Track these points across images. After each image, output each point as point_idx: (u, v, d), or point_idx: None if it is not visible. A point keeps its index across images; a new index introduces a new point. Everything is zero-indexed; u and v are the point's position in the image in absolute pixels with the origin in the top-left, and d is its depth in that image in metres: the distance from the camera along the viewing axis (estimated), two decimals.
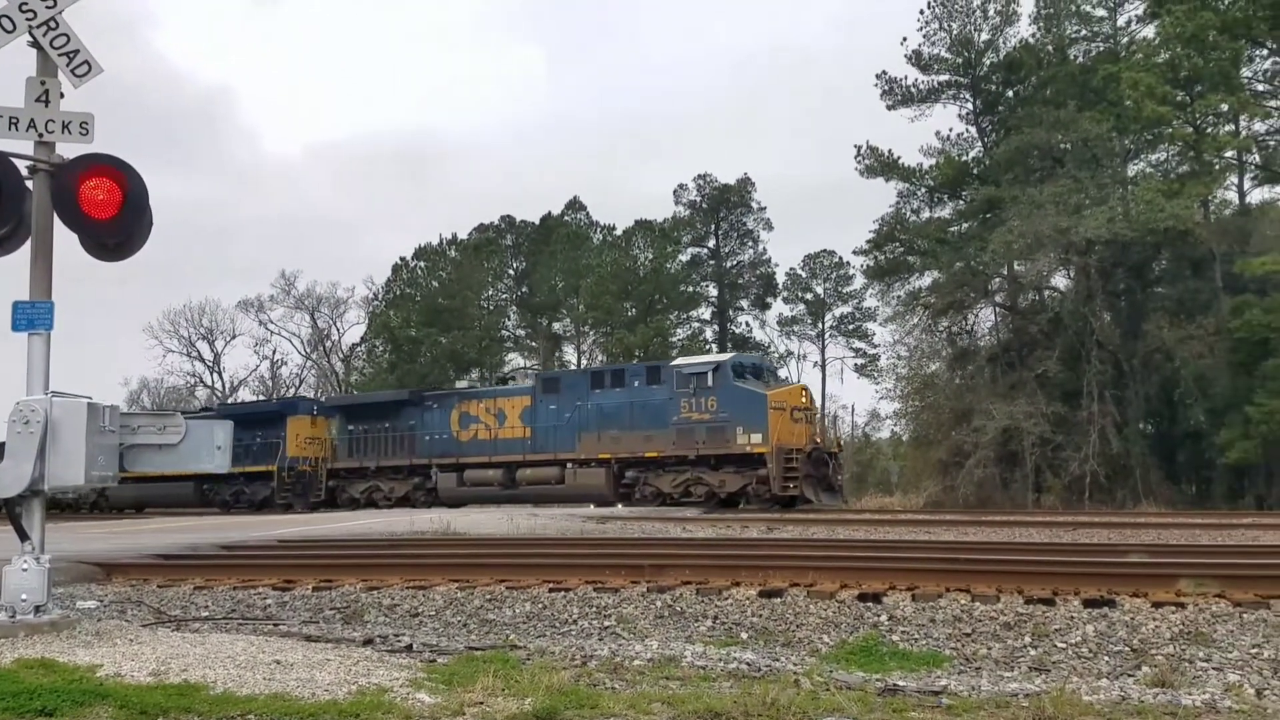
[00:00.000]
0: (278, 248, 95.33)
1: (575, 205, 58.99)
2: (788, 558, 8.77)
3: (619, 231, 56.60)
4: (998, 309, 39.77)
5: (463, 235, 59.86)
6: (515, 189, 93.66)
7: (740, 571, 8.37)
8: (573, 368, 40.71)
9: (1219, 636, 6.47)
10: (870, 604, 7.54)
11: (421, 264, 59.07)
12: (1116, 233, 30.13)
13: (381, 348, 58.04)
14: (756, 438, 23.85)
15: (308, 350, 62.98)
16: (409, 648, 7.12)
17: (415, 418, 29.93)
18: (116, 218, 6.39)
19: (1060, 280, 38.82)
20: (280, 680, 5.36)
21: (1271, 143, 36.84)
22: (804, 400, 25.75)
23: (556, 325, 58.33)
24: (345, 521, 19.87)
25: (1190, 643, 6.46)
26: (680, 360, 28.39)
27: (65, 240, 6.51)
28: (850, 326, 55.03)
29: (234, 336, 62.75)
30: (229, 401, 54.53)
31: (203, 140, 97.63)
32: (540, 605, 8.11)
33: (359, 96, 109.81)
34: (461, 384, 34.03)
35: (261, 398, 55.55)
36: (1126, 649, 6.54)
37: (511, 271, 60.12)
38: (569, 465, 26.55)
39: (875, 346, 52.13)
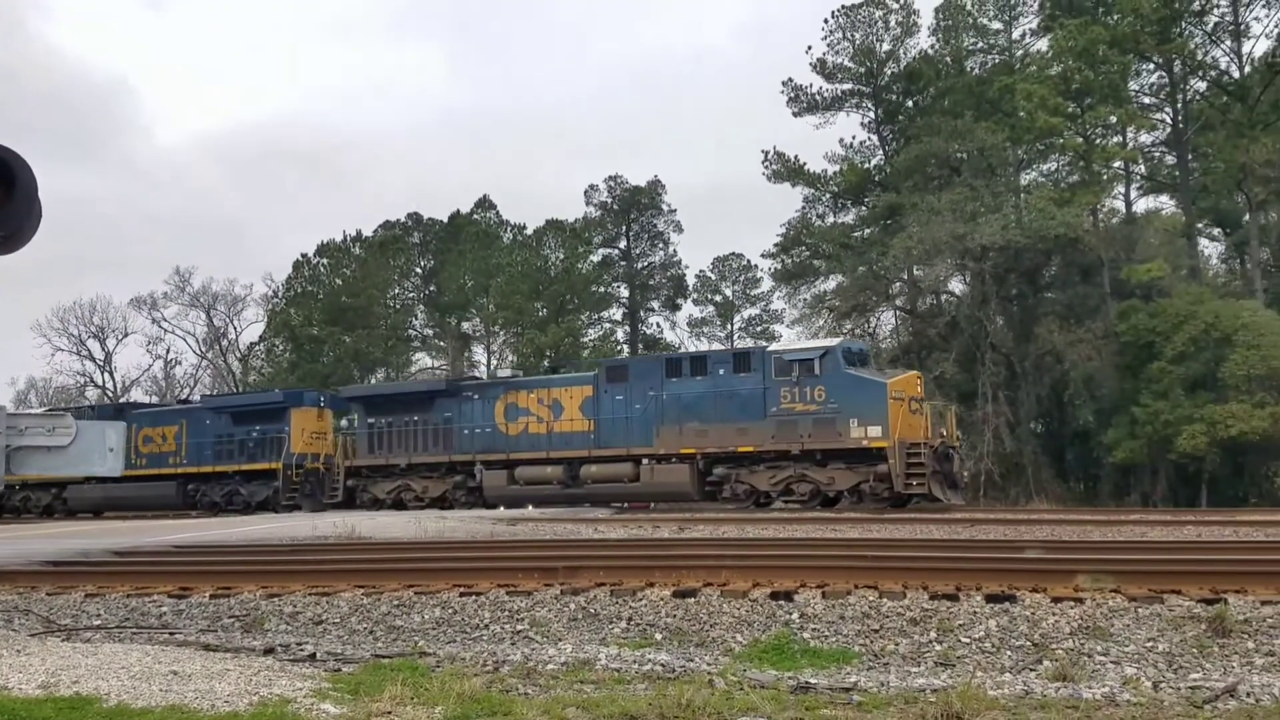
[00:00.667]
0: (173, 244, 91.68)
1: (485, 204, 58.34)
2: (701, 557, 8.80)
3: (530, 231, 56.26)
4: (898, 312, 40.85)
5: (368, 233, 58.66)
6: (423, 188, 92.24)
7: (654, 572, 8.36)
8: (641, 355, 33.36)
9: (1116, 631, 6.71)
10: (782, 602, 7.61)
11: (324, 261, 57.55)
12: (1010, 239, 31.21)
13: (282, 346, 56.37)
14: (875, 431, 21.56)
15: (203, 349, 60.91)
16: (312, 656, 6.91)
17: (452, 409, 27.05)
18: (3, 208, 6.02)
19: (957, 285, 40.12)
20: (178, 691, 5.13)
21: (1156, 154, 38.78)
22: (919, 390, 23.21)
23: (466, 325, 57.58)
24: (242, 527, 19.24)
25: (1089, 637, 6.69)
26: (778, 346, 26.24)
27: None
28: (758, 328, 55.79)
29: (126, 335, 60.25)
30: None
31: (93, 133, 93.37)
32: (450, 610, 7.95)
33: (256, 91, 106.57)
34: (504, 373, 29.89)
35: (264, 390, 50.13)
36: (1028, 643, 6.74)
37: (419, 270, 59.08)
38: (645, 461, 23.98)
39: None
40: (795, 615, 7.45)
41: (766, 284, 51.89)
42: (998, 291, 35.78)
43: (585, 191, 55.48)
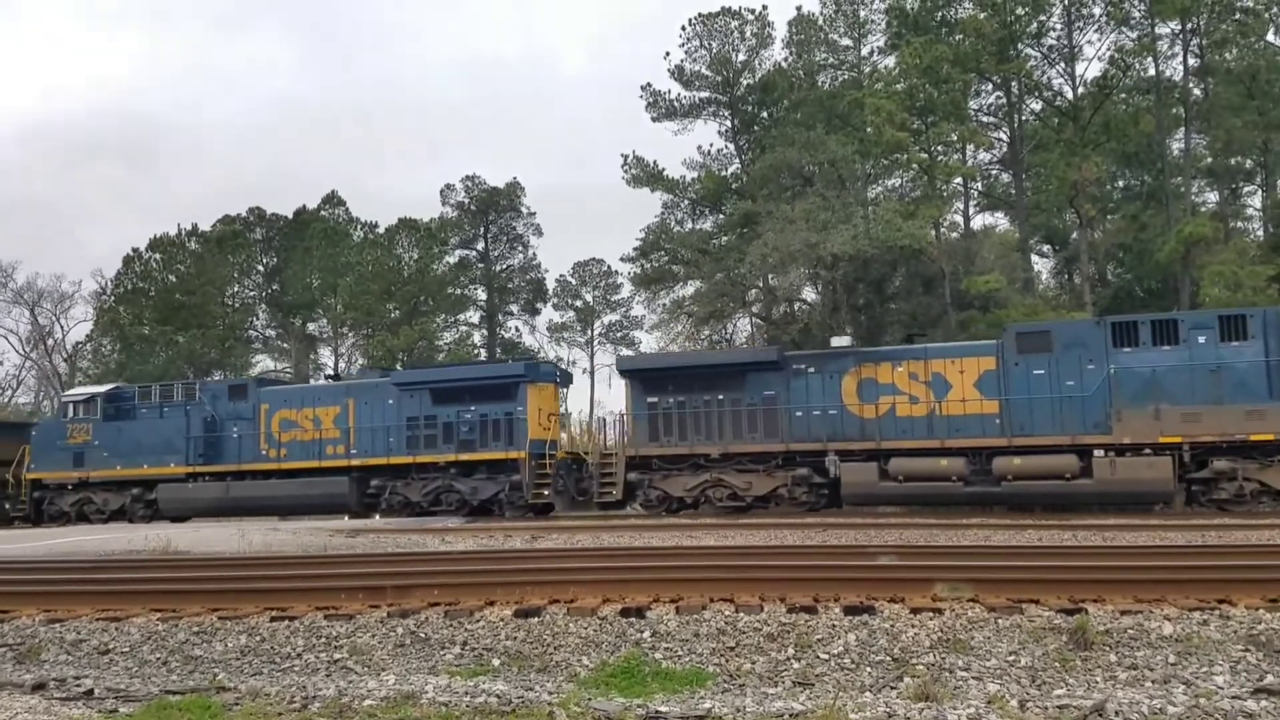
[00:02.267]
0: None
1: (333, 200, 55.94)
2: (549, 570, 8.15)
3: (382, 230, 54.24)
4: (754, 319, 41.29)
5: (205, 227, 55.30)
6: (266, 183, 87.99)
7: (496, 589, 7.66)
8: (1075, 318, 27.10)
9: (977, 644, 6.45)
10: (633, 619, 7.05)
11: (157, 256, 53.93)
12: (860, 249, 31.89)
13: (110, 346, 52.45)
14: None
15: (26, 349, 56.13)
16: (89, 693, 5.92)
17: (776, 386, 21.49)
18: None
19: (810, 294, 40.88)
20: None
21: (993, 172, 40.58)
22: None
23: (311, 326, 55.03)
24: (35, 541, 17.35)
25: (949, 650, 6.39)
26: None
27: None
28: (618, 334, 55.51)
29: None
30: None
31: None
32: (258, 638, 7.04)
33: (77, 78, 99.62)
34: (840, 341, 22.55)
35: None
36: (888, 658, 6.40)
37: (261, 268, 56.10)
38: (1099, 453, 18.79)
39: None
40: (647, 633, 6.90)
41: (627, 289, 51.73)
42: (848, 300, 36.58)
43: (441, 191, 54.01)
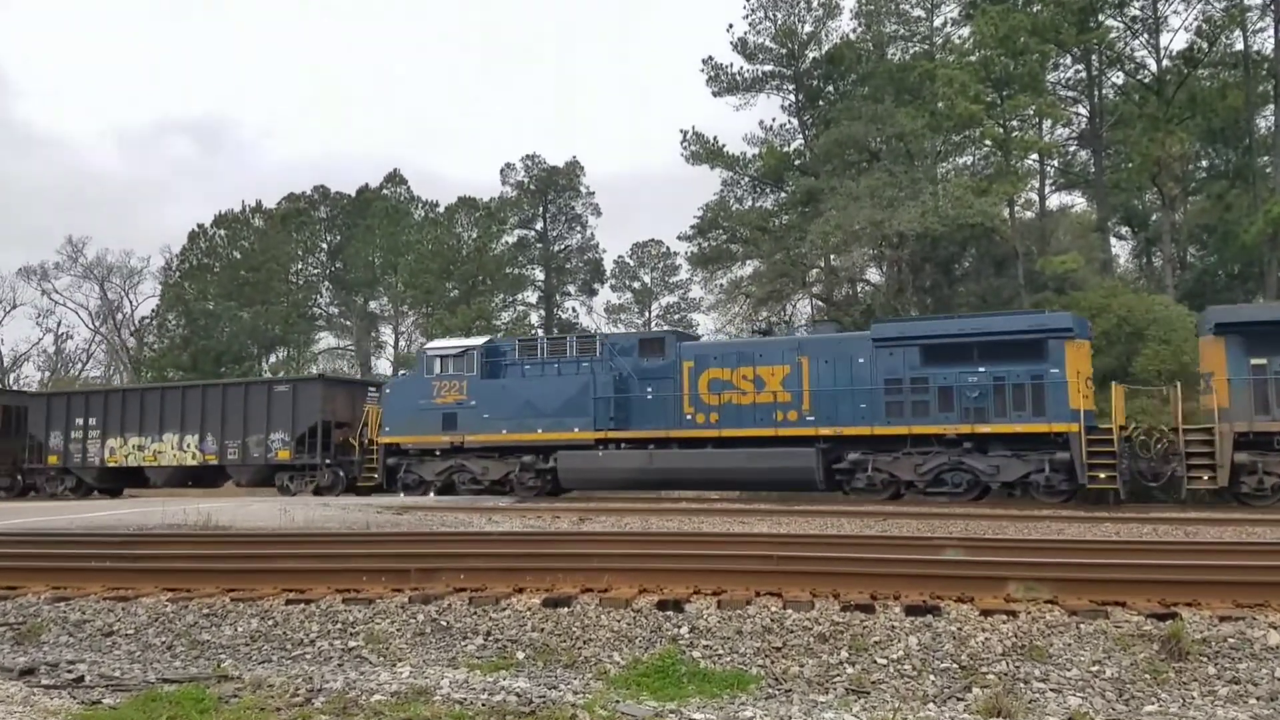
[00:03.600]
0: (64, 214, 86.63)
1: (395, 179, 56.14)
2: (584, 556, 7.58)
3: (442, 209, 54.27)
4: (814, 300, 40.23)
5: (270, 205, 55.92)
6: (329, 163, 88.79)
7: (526, 575, 7.13)
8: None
9: (1056, 651, 5.72)
10: (671, 613, 6.45)
11: (222, 232, 54.71)
12: (928, 226, 30.69)
13: (175, 322, 53.38)
14: None
15: (96, 323, 57.46)
16: (78, 680, 5.51)
17: None
18: None
19: (874, 274, 39.69)
20: None
21: (1070, 149, 38.85)
22: None
23: (373, 304, 55.37)
24: (57, 515, 17.35)
25: (1024, 658, 5.68)
26: None
27: None
28: (676, 316, 54.83)
29: (14, 306, 56.53)
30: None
31: None
32: (271, 622, 6.59)
33: (154, 62, 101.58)
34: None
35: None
36: (955, 666, 5.71)
37: (325, 245, 56.56)
38: None
39: (699, 336, 52.10)
40: (685, 629, 6.30)
41: (685, 272, 50.98)
42: (914, 281, 35.37)
43: (501, 170, 53.73)
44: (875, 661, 5.84)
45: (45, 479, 28.17)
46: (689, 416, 20.75)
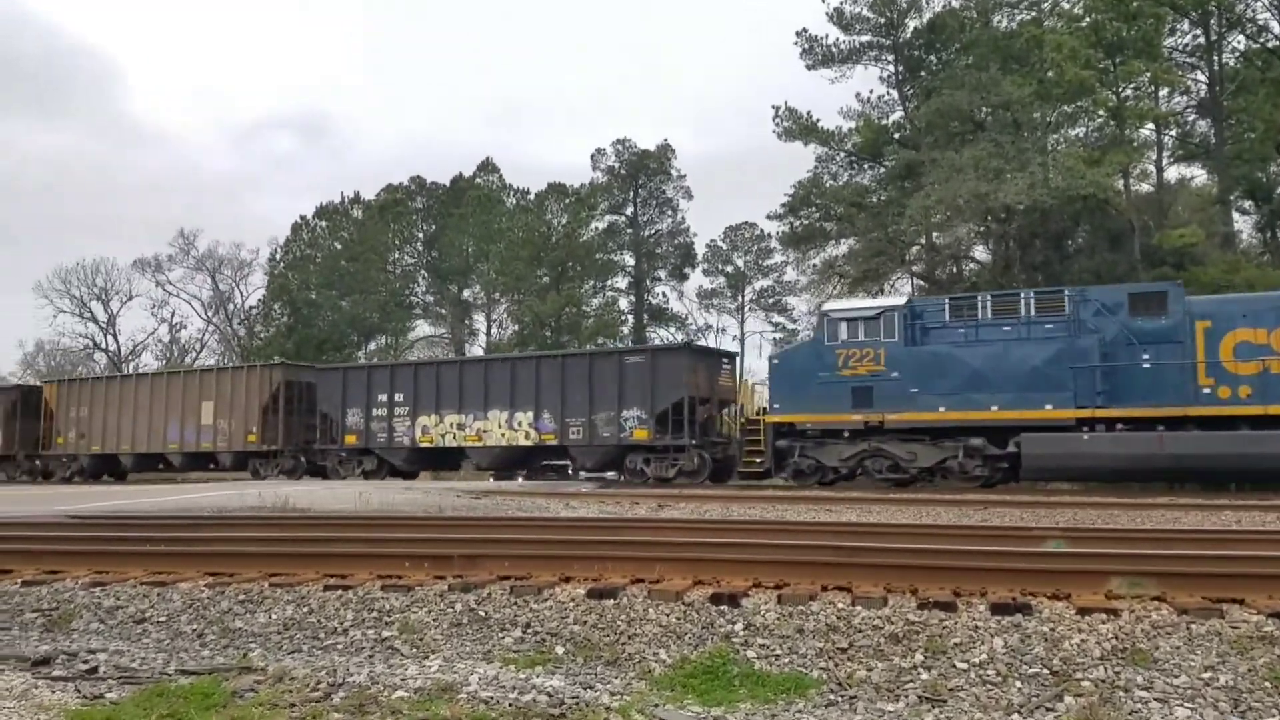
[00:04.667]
0: (175, 207, 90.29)
1: (488, 167, 56.50)
2: (634, 544, 7.08)
3: (532, 195, 54.38)
4: (915, 280, 38.76)
5: (368, 196, 57.00)
6: (426, 151, 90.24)
7: (573, 564, 6.66)
8: None
9: (1162, 655, 4.96)
10: (725, 607, 5.89)
11: (323, 224, 56.04)
12: (1036, 199, 29.11)
13: (279, 310, 54.94)
14: None
15: (208, 313, 59.58)
16: (91, 671, 5.25)
17: None
18: None
19: (979, 252, 38.02)
20: None
21: (1189, 119, 36.41)
22: None
23: (466, 292, 55.94)
24: (124, 498, 17.67)
25: (1126, 663, 4.93)
26: None
27: None
28: (770, 300, 53.79)
29: (130, 298, 59.00)
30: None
31: (84, 95, 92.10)
32: (306, 609, 6.27)
33: (257, 55, 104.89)
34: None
35: None
36: (1045, 671, 5.00)
37: (420, 235, 57.38)
38: None
39: (795, 321, 51.01)
40: (740, 625, 5.73)
41: (779, 255, 49.86)
42: (1022, 258, 33.70)
43: (592, 155, 53.50)
44: (954, 666, 5.18)
45: (338, 460, 25.77)
46: (1206, 390, 17.00)
